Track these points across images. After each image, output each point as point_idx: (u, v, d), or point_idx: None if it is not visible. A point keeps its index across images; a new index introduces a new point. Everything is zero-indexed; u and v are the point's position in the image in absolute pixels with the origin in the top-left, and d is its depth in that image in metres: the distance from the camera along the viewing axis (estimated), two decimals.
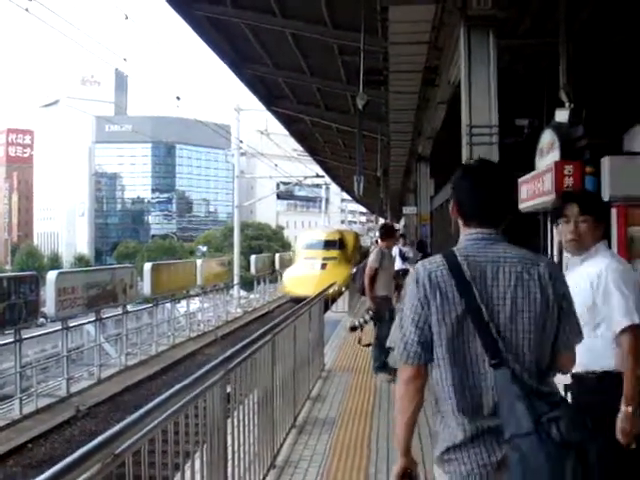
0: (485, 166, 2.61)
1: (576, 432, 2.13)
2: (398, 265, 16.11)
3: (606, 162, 10.15)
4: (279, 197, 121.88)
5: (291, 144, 42.92)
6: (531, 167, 12.63)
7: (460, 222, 2.52)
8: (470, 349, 2.31)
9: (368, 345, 9.98)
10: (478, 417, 2.29)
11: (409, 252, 17.58)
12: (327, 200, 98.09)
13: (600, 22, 11.13)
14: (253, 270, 37.38)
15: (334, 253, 32.88)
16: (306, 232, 43.41)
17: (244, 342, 4.69)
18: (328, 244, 33.83)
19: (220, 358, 4.01)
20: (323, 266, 31.49)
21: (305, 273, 30.20)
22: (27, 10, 15.53)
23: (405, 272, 16.16)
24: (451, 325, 2.31)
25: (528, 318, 2.30)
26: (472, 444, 2.29)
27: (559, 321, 2.36)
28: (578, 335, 2.46)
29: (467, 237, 2.47)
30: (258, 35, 14.71)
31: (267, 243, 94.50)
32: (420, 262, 2.50)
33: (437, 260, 2.41)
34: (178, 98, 31.86)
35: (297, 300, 14.70)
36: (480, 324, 2.29)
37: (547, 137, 11.92)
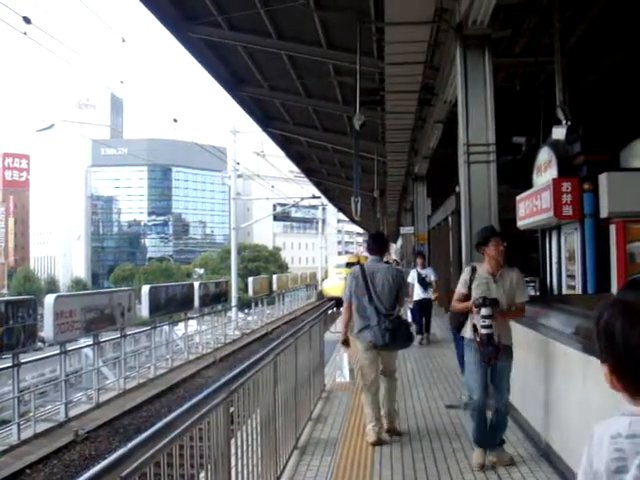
0: (378, 234, 8.22)
1: (392, 325, 6.66)
2: (418, 293, 14.09)
3: (604, 178, 10.21)
4: (276, 219, 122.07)
5: (287, 165, 43.97)
6: (528, 185, 12.68)
7: (368, 253, 7.54)
8: (363, 298, 6.79)
9: None
10: (364, 320, 6.80)
11: (430, 275, 14.52)
12: (324, 221, 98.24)
13: (594, 39, 11.22)
14: (251, 292, 37.72)
15: None
16: (334, 257, 69.21)
17: (247, 363, 4.69)
18: (350, 265, 46.41)
19: (224, 379, 3.98)
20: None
21: (335, 283, 44.41)
22: (25, 34, 15.54)
23: (427, 303, 14.33)
24: (358, 291, 6.84)
25: (388, 288, 6.80)
26: (364, 330, 6.80)
27: (398, 289, 6.92)
28: (406, 294, 8.69)
29: (370, 259, 7.23)
30: (254, 57, 14.79)
31: (264, 265, 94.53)
32: (353, 267, 7.35)
33: (357, 267, 7.06)
34: (175, 120, 31.92)
35: (331, 299, 28.69)
36: (368, 291, 6.77)
37: (544, 154, 11.99)
